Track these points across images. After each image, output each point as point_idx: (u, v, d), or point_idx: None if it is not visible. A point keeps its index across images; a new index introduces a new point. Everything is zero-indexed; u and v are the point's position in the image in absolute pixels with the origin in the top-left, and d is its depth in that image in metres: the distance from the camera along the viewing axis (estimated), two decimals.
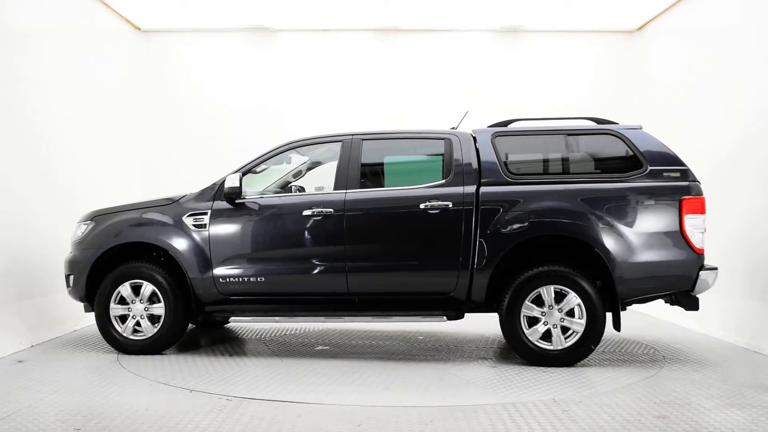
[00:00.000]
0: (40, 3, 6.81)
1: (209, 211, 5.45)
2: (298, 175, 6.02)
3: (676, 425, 3.70)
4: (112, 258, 5.65)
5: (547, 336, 5.04)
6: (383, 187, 5.52)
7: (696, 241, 4.93)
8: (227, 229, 5.42)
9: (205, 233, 5.42)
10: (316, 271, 5.28)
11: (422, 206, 5.16)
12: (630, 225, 4.96)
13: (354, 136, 5.50)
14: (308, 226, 5.30)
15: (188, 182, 6.36)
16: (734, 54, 6.74)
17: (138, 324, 5.50)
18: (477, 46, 9.25)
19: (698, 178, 5.11)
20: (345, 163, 5.40)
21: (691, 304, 5.06)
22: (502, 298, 5.07)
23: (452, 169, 5.25)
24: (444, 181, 5.25)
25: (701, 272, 4.93)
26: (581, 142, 5.39)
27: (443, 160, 5.33)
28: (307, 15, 8.72)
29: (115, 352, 5.56)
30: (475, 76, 9.17)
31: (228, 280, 5.36)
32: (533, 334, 5.04)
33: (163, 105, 9.21)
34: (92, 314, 5.66)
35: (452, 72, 9.19)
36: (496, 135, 5.36)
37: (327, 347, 5.90)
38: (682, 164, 5.09)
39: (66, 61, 7.31)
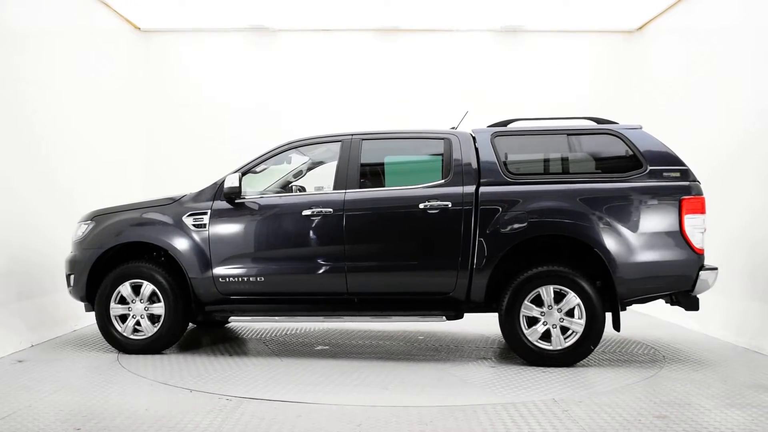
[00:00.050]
0: (40, 3, 6.81)
1: (209, 211, 5.46)
2: (298, 175, 6.03)
3: (676, 425, 3.70)
4: (112, 258, 5.66)
5: (546, 336, 5.04)
6: (383, 187, 5.53)
7: (696, 241, 4.93)
8: (227, 228, 5.42)
9: (205, 233, 5.42)
10: (315, 271, 5.29)
11: (421, 206, 5.16)
12: (630, 225, 4.95)
13: (353, 136, 5.50)
14: (308, 226, 5.30)
15: (188, 182, 6.36)
16: (734, 54, 6.74)
17: (138, 323, 5.51)
18: (477, 46, 9.25)
19: (698, 178, 5.11)
20: (344, 163, 5.40)
21: (691, 305, 5.06)
22: (502, 298, 5.07)
23: (452, 169, 5.25)
24: (443, 181, 5.25)
25: (701, 272, 4.93)
26: (581, 142, 5.39)
27: (443, 160, 5.33)
28: (307, 15, 8.72)
29: (115, 351, 5.56)
30: (475, 76, 9.17)
31: (228, 279, 5.36)
32: (532, 334, 5.04)
33: (163, 105, 9.21)
34: (92, 314, 5.67)
35: (452, 72, 9.20)
36: (495, 135, 5.35)
37: (327, 347, 5.90)
38: (682, 164, 5.09)
39: (66, 61, 7.31)
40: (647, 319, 7.24)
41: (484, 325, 6.35)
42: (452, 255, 5.10)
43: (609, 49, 9.20)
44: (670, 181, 5.03)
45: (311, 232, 5.30)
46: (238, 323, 6.98)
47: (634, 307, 6.21)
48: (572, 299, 4.97)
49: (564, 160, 5.43)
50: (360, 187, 5.35)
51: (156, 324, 5.49)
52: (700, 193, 5.02)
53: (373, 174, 5.65)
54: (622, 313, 5.12)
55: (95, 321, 5.63)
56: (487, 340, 6.13)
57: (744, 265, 6.16)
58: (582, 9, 8.43)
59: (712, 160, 6.68)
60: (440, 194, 5.18)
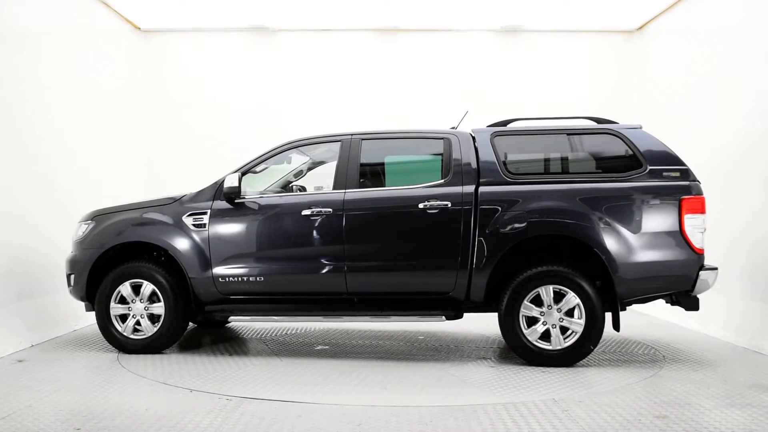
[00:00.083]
0: (40, 3, 6.81)
1: (209, 211, 5.46)
2: (299, 174, 6.03)
3: (676, 425, 3.70)
4: (113, 258, 5.66)
5: (546, 336, 5.04)
6: (382, 186, 5.53)
7: (696, 241, 4.92)
8: (226, 228, 5.42)
9: (205, 233, 5.42)
10: (315, 271, 5.29)
11: (421, 206, 5.16)
12: (630, 225, 4.95)
13: (353, 136, 5.50)
14: (307, 225, 5.30)
15: (188, 182, 6.36)
16: (734, 54, 6.74)
17: (138, 323, 5.51)
18: (477, 46, 9.26)
19: (698, 178, 5.10)
20: (344, 163, 5.40)
21: (691, 305, 5.05)
22: (501, 298, 5.07)
23: (451, 169, 5.25)
24: (443, 180, 5.25)
25: (701, 272, 4.92)
26: (581, 142, 5.39)
27: (442, 160, 5.33)
28: (307, 15, 8.73)
29: (115, 351, 5.57)
30: (475, 76, 9.17)
31: (227, 279, 5.36)
32: (532, 334, 5.04)
33: (163, 105, 9.21)
34: (93, 314, 5.67)
35: (452, 72, 9.20)
36: (495, 135, 5.35)
37: (327, 347, 5.90)
38: (682, 164, 5.09)
39: (66, 61, 7.31)
40: (647, 319, 7.24)
41: (485, 325, 6.35)
42: (452, 255, 5.10)
43: (609, 49, 9.20)
44: (670, 180, 5.03)
45: (311, 232, 5.30)
46: (238, 323, 6.98)
47: (634, 307, 6.21)
48: (572, 299, 4.97)
49: (564, 160, 5.43)
50: (360, 187, 5.35)
51: (156, 324, 5.49)
52: (700, 192, 5.01)
53: (373, 174, 5.65)
54: (622, 313, 5.12)
55: (95, 321, 5.63)
56: (487, 340, 6.13)
57: (744, 265, 6.16)
58: (582, 9, 8.43)
59: (712, 160, 6.68)
60: (440, 194, 5.18)
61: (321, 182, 5.72)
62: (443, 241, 5.12)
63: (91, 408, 4.02)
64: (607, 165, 5.30)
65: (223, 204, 5.45)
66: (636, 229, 4.95)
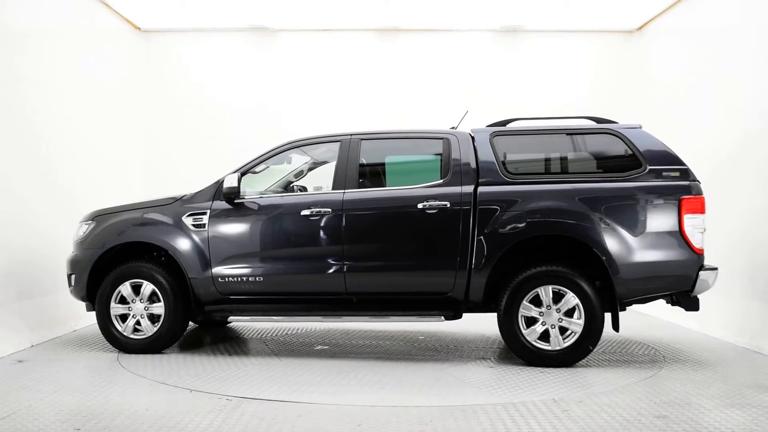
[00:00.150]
0: (40, 3, 6.81)
1: (208, 211, 5.46)
2: (299, 175, 6.03)
3: (676, 425, 3.70)
4: (113, 258, 5.66)
5: (545, 336, 5.03)
6: (381, 186, 5.53)
7: (696, 241, 4.92)
8: (226, 229, 5.42)
9: (204, 233, 5.42)
10: (314, 271, 5.29)
11: (420, 206, 5.16)
12: (629, 225, 4.94)
13: (352, 136, 5.50)
14: (306, 226, 5.30)
15: (188, 182, 6.36)
16: (734, 54, 6.74)
17: (138, 323, 5.51)
18: (477, 46, 9.25)
19: (698, 178, 5.10)
20: (343, 163, 5.40)
21: (691, 305, 5.05)
22: (500, 299, 5.07)
23: (450, 169, 5.25)
24: (442, 180, 5.25)
25: (701, 272, 4.92)
26: (580, 142, 5.38)
27: (441, 160, 5.33)
28: (307, 15, 8.73)
29: (115, 351, 5.57)
30: (475, 76, 9.17)
31: (227, 279, 5.37)
32: (531, 335, 5.03)
33: (163, 105, 9.21)
34: (93, 314, 5.68)
35: (452, 72, 9.20)
36: (494, 135, 5.35)
37: (326, 347, 5.90)
38: (682, 164, 5.08)
39: (66, 61, 7.31)
40: (647, 319, 7.24)
41: (485, 325, 6.35)
42: (451, 255, 5.09)
43: (609, 49, 9.20)
44: (670, 180, 5.02)
45: (310, 232, 5.30)
46: (239, 323, 6.98)
47: (634, 307, 6.21)
48: (571, 299, 4.97)
49: (563, 160, 5.43)
50: (359, 187, 5.35)
51: (156, 324, 5.50)
52: (699, 192, 5.01)
53: (372, 174, 5.66)
54: (621, 314, 5.12)
55: (95, 321, 5.64)
56: (487, 341, 6.13)
57: (744, 265, 6.16)
58: (582, 9, 8.43)
59: (712, 160, 6.68)
60: (439, 194, 5.18)
61: (321, 182, 5.72)
62: (442, 241, 5.12)
63: (91, 408, 4.02)
64: (607, 165, 5.30)
65: (222, 204, 5.45)
66: (635, 229, 4.94)
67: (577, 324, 4.97)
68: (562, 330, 5.01)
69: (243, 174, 5.45)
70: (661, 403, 4.13)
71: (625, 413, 3.91)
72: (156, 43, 9.27)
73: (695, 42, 7.61)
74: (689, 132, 7.33)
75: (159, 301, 5.49)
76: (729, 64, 6.82)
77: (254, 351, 5.75)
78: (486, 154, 5.26)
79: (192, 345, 5.98)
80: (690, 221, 4.91)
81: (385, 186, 5.57)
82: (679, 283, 4.97)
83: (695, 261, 4.92)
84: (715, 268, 5.02)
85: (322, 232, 5.28)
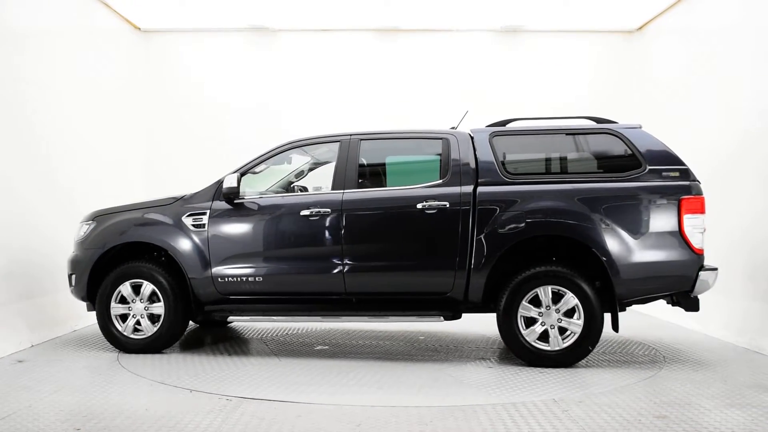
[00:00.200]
0: (40, 3, 6.81)
1: (208, 211, 5.46)
2: (300, 175, 6.04)
3: (676, 425, 3.70)
4: (114, 258, 5.67)
5: (544, 336, 5.03)
6: (381, 187, 5.53)
7: (695, 241, 4.91)
8: (226, 229, 5.42)
9: (204, 233, 5.43)
10: (313, 271, 5.29)
11: (419, 206, 5.16)
12: (628, 225, 4.94)
13: (352, 136, 5.50)
14: (306, 226, 5.30)
15: (188, 182, 6.37)
16: (734, 54, 6.74)
17: (138, 323, 5.52)
18: (477, 46, 9.25)
19: (698, 178, 5.09)
20: (343, 163, 5.41)
21: (691, 305, 5.05)
22: (500, 299, 5.06)
23: (450, 169, 5.25)
24: (441, 180, 5.25)
25: (701, 273, 4.91)
26: (580, 142, 5.38)
27: (441, 160, 5.33)
28: (307, 15, 8.73)
29: (115, 351, 5.57)
30: (475, 76, 9.17)
31: (226, 279, 5.37)
32: (530, 335, 5.03)
33: (163, 105, 9.21)
34: (93, 314, 5.69)
35: (452, 72, 9.20)
36: (493, 135, 5.35)
37: (326, 347, 5.90)
38: (682, 164, 5.07)
39: (66, 61, 7.31)
40: (647, 320, 7.23)
41: (485, 325, 6.35)
42: (450, 255, 5.09)
43: (609, 49, 9.20)
44: (670, 180, 5.02)
45: (309, 233, 5.30)
46: (239, 323, 6.98)
47: (635, 307, 6.21)
48: (570, 300, 4.96)
49: (563, 160, 5.43)
50: (358, 187, 5.35)
51: (156, 323, 5.50)
52: (699, 192, 5.00)
53: (372, 174, 5.66)
54: (622, 314, 5.11)
55: (96, 321, 5.65)
56: (487, 341, 6.12)
57: (745, 265, 6.16)
58: (582, 9, 8.43)
59: (713, 160, 6.68)
60: (438, 194, 5.17)
61: (321, 183, 5.72)
62: (442, 241, 5.12)
63: (91, 408, 4.02)
64: (607, 165, 5.29)
65: (222, 204, 5.46)
66: (635, 229, 4.94)
67: (576, 324, 4.97)
68: (562, 330, 5.01)
69: (243, 174, 5.46)
70: (661, 403, 4.13)
71: (625, 413, 3.91)
72: (156, 43, 9.28)
73: (695, 42, 7.61)
74: (689, 132, 7.32)
75: (159, 301, 5.49)
76: (729, 64, 6.82)
77: (254, 351, 5.75)
78: (485, 154, 5.26)
79: (192, 345, 5.98)
80: (690, 221, 4.91)
81: (384, 186, 5.57)
82: (679, 283, 4.97)
83: (695, 261, 4.92)
84: (715, 269, 5.01)
85: (321, 233, 5.28)
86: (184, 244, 5.43)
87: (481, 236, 5.07)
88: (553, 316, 5.00)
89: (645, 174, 5.05)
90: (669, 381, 4.69)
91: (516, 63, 9.21)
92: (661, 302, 5.34)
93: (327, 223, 5.26)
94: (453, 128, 5.67)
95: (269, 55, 9.26)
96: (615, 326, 5.09)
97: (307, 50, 9.23)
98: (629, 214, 4.95)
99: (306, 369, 5.03)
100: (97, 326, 5.73)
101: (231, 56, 9.29)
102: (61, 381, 4.67)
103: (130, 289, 5.53)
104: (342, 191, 5.32)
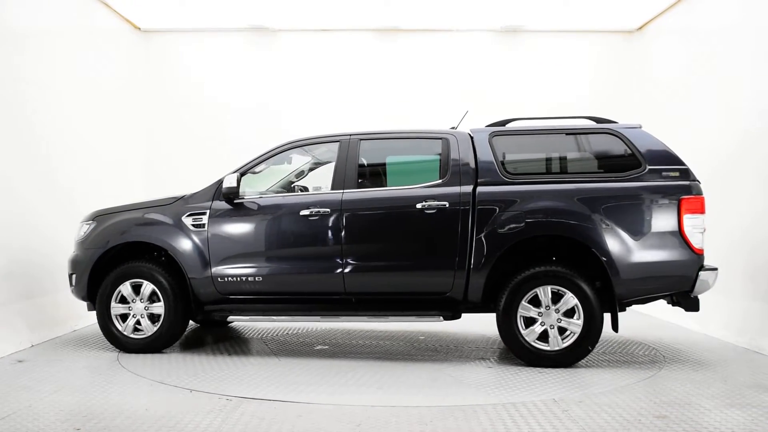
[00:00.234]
0: (40, 3, 6.81)
1: (208, 211, 5.47)
2: (300, 175, 6.04)
3: (676, 425, 3.70)
4: (114, 257, 5.67)
5: (544, 336, 5.03)
6: (381, 186, 5.53)
7: (695, 241, 4.91)
8: (225, 229, 5.43)
9: (204, 233, 5.43)
10: (313, 271, 5.29)
11: (419, 206, 5.16)
12: (628, 225, 4.93)
13: (351, 136, 5.50)
14: (305, 226, 5.30)
15: (188, 182, 6.37)
16: (734, 54, 6.74)
17: (138, 323, 5.52)
18: (477, 46, 9.26)
19: (698, 178, 5.09)
20: (342, 163, 5.41)
21: (691, 305, 5.05)
22: (499, 299, 5.06)
23: (449, 169, 5.25)
24: (441, 180, 5.25)
25: (701, 273, 4.90)
26: (579, 142, 5.37)
27: (440, 160, 5.33)
28: (307, 15, 8.73)
29: (115, 351, 5.57)
30: (475, 76, 9.17)
31: (226, 279, 5.37)
32: (530, 335, 5.03)
33: (163, 105, 9.21)
34: (93, 314, 5.69)
35: (452, 72, 9.20)
36: (493, 134, 5.35)
37: (326, 347, 5.90)
38: (682, 163, 5.07)
39: (66, 61, 7.31)
40: (647, 320, 7.23)
41: (485, 325, 6.35)
42: (449, 255, 5.09)
43: (609, 49, 9.20)
44: (670, 180, 5.01)
45: (309, 233, 5.31)
46: (240, 323, 6.98)
47: (635, 307, 6.20)
48: (570, 300, 4.96)
49: (562, 160, 5.42)
50: (358, 187, 5.35)
51: (156, 323, 5.51)
52: (699, 192, 5.00)
53: (371, 174, 5.66)
54: (622, 314, 5.11)
55: (96, 320, 5.65)
56: (488, 341, 6.12)
57: (745, 265, 6.16)
58: (582, 9, 8.43)
59: (713, 160, 6.68)
60: (437, 194, 5.17)
61: (320, 182, 5.72)
62: (441, 241, 5.12)
63: (91, 408, 4.02)
64: (607, 165, 5.29)
65: (222, 204, 5.46)
66: (635, 229, 4.93)
67: (576, 324, 4.96)
68: (561, 330, 5.01)
69: (242, 174, 5.46)
70: (661, 403, 4.13)
71: (625, 413, 3.91)
72: (156, 43, 9.28)
73: (695, 42, 7.61)
74: (689, 132, 7.32)
75: (159, 300, 5.49)
76: (729, 64, 6.82)
77: (254, 351, 5.75)
78: (485, 154, 5.26)
79: (192, 345, 5.98)
80: (690, 221, 4.90)
81: (384, 186, 5.57)
82: (679, 283, 4.97)
83: (695, 261, 4.92)
84: (715, 269, 5.01)
85: (321, 233, 5.28)
86: (184, 244, 5.44)
87: (481, 236, 5.07)
88: (552, 316, 5.00)
89: (645, 174, 5.05)
90: (669, 381, 4.69)
91: (516, 63, 9.21)
92: (661, 302, 5.34)
93: (326, 223, 5.26)
94: (453, 128, 5.67)
95: (269, 55, 9.26)
96: (615, 326, 5.09)
97: (307, 50, 9.23)
98: (629, 214, 4.95)
99: (306, 369, 5.03)
100: (96, 326, 5.74)
101: (231, 56, 9.29)
102: (61, 381, 4.67)
103: (130, 289, 5.53)
104: (341, 191, 5.32)
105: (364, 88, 9.14)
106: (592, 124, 5.40)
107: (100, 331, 5.63)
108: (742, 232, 6.29)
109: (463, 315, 5.32)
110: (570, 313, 4.98)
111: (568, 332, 5.00)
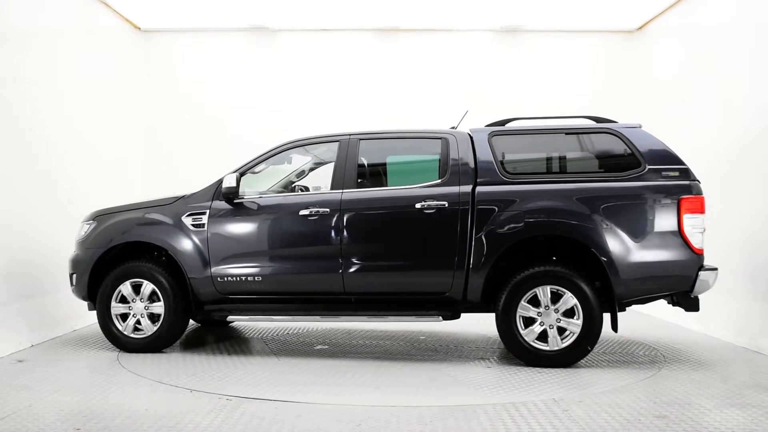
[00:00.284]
0: (40, 3, 6.81)
1: (207, 211, 5.47)
2: (301, 174, 6.04)
3: (676, 425, 3.70)
4: (115, 257, 5.67)
5: (543, 336, 5.02)
6: (380, 186, 5.53)
7: (695, 241, 4.90)
8: (225, 228, 5.43)
9: (204, 233, 5.43)
10: (312, 271, 5.29)
11: (418, 206, 5.16)
12: (627, 225, 4.93)
13: (351, 136, 5.50)
14: (305, 225, 5.31)
15: (188, 182, 6.37)
16: (734, 54, 6.74)
17: (138, 322, 5.53)
18: (477, 46, 9.26)
19: (698, 178, 5.09)
20: (342, 163, 5.41)
21: (691, 305, 5.04)
22: (498, 299, 5.06)
23: (448, 169, 5.25)
24: (440, 180, 5.25)
25: (700, 272, 4.90)
26: (579, 141, 5.37)
27: (440, 160, 5.33)
28: (307, 15, 8.73)
29: (115, 351, 5.57)
30: (475, 76, 9.17)
31: (226, 279, 5.37)
32: (529, 335, 5.02)
33: (163, 105, 9.21)
34: (93, 313, 5.70)
35: (452, 72, 9.20)
36: (493, 134, 5.35)
37: (326, 347, 5.90)
38: (682, 163, 5.07)
39: (66, 61, 7.31)
40: (647, 320, 7.23)
41: (486, 325, 6.35)
42: (449, 255, 5.09)
43: (609, 49, 9.20)
44: (669, 180, 5.01)
45: (308, 232, 5.31)
46: (240, 322, 6.98)
47: (634, 307, 6.20)
48: (569, 299, 4.96)
49: (562, 160, 5.42)
50: (357, 187, 5.35)
51: (156, 323, 5.51)
52: (699, 192, 4.99)
53: (371, 174, 5.66)
54: (622, 314, 5.11)
55: (96, 320, 5.66)
56: (488, 341, 6.12)
57: (745, 265, 6.16)
58: (582, 9, 8.43)
59: (713, 160, 6.68)
60: (437, 194, 5.17)
61: (320, 182, 5.72)
62: (440, 241, 5.12)
63: (91, 408, 4.02)
64: (606, 164, 5.28)
65: (221, 204, 5.46)
66: (634, 229, 4.93)
67: (575, 324, 4.96)
68: (561, 330, 5.00)
69: (242, 174, 5.46)
70: (661, 403, 4.13)
71: (625, 413, 3.91)
72: (156, 43, 9.28)
73: (695, 42, 7.61)
74: (689, 132, 7.32)
75: (159, 300, 5.50)
76: (729, 64, 6.82)
77: (254, 351, 5.75)
78: (484, 154, 5.26)
79: (192, 344, 5.98)
80: (689, 221, 4.90)
81: (383, 186, 5.57)
82: (679, 283, 4.96)
83: (695, 261, 4.91)
84: (715, 269, 5.00)
85: (320, 232, 5.28)
86: (183, 244, 5.44)
87: (480, 236, 5.07)
88: (552, 316, 5.00)
89: (645, 173, 5.04)
90: (669, 381, 4.69)
91: (516, 63, 9.21)
92: (661, 302, 5.33)
93: (326, 223, 5.26)
94: (453, 128, 5.67)
95: (269, 55, 9.26)
96: (614, 326, 5.09)
97: (307, 50, 9.23)
98: (629, 213, 4.95)
99: (306, 369, 5.03)
100: (96, 326, 5.74)
101: (231, 56, 9.29)
102: (61, 381, 4.68)
103: (130, 289, 5.54)
104: (341, 191, 5.32)
105: (364, 88, 9.14)
106: (592, 123, 5.40)
107: (100, 330, 5.64)
108: (742, 232, 6.29)
109: (463, 315, 5.32)
110: (569, 313, 4.98)
111: (567, 332, 5.00)
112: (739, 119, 6.56)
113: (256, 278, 5.34)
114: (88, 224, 5.76)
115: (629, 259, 4.91)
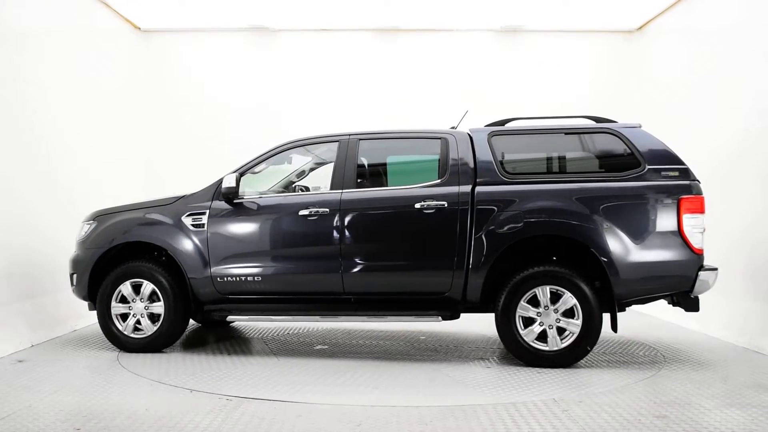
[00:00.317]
0: (40, 3, 6.82)
1: (207, 211, 5.47)
2: (301, 175, 6.04)
3: (676, 425, 3.70)
4: (115, 257, 5.68)
5: (543, 337, 5.02)
6: (380, 186, 5.54)
7: (695, 241, 4.90)
8: (225, 229, 5.43)
9: (204, 233, 5.43)
10: (312, 271, 5.30)
11: (417, 206, 5.15)
12: (627, 225, 4.93)
13: (351, 136, 5.51)
14: (304, 225, 5.31)
15: (188, 182, 6.37)
16: (734, 54, 6.74)
17: (138, 322, 5.53)
18: (477, 46, 9.26)
19: (698, 178, 5.08)
20: (341, 163, 5.41)
21: (691, 305, 5.04)
22: (498, 299, 5.06)
23: (448, 169, 5.25)
24: (440, 180, 5.25)
25: (700, 273, 4.89)
26: (579, 141, 5.36)
27: (439, 160, 5.33)
28: (307, 15, 8.73)
29: (115, 351, 5.57)
30: (475, 76, 9.17)
31: (225, 279, 5.37)
32: (529, 335, 5.02)
33: (163, 105, 9.22)
34: (93, 313, 5.70)
35: (452, 72, 9.20)
36: (492, 134, 5.35)
37: (326, 347, 5.90)
38: (682, 163, 5.06)
39: (66, 61, 7.31)
40: (647, 320, 7.23)
41: (486, 325, 6.35)
42: (448, 255, 5.09)
43: (609, 49, 9.20)
44: (669, 180, 5.00)
45: (308, 232, 5.31)
46: (240, 322, 6.98)
47: (634, 307, 6.20)
48: (569, 300, 4.96)
49: (561, 160, 5.42)
50: (357, 187, 5.35)
51: (156, 323, 5.51)
52: (699, 192, 4.99)
53: (371, 174, 5.66)
54: (621, 314, 5.11)
55: (96, 320, 5.66)
56: (487, 341, 6.12)
57: (745, 265, 6.16)
58: (582, 9, 8.43)
59: (713, 160, 6.68)
60: (436, 194, 5.17)
61: (320, 182, 5.73)
62: (440, 241, 5.12)
63: (91, 408, 4.02)
64: (606, 164, 5.27)
65: (221, 204, 5.46)
66: (634, 229, 4.92)
67: (575, 324, 4.96)
68: (560, 330, 5.00)
69: (242, 174, 5.46)
70: (661, 403, 4.13)
71: (625, 413, 3.91)
72: (156, 43, 9.28)
73: (695, 42, 7.61)
74: (689, 132, 7.32)
75: (159, 300, 5.50)
76: (729, 64, 6.82)
77: (254, 351, 5.75)
78: (484, 154, 5.26)
79: (192, 344, 5.98)
80: (689, 221, 4.90)
81: (383, 186, 5.58)
82: (679, 283, 4.96)
83: (695, 261, 4.91)
84: (715, 269, 5.00)
85: (320, 232, 5.28)
86: (183, 244, 5.44)
87: (480, 236, 5.06)
88: (551, 316, 5.00)
89: (644, 173, 5.04)
90: (669, 381, 4.69)
91: (516, 63, 9.21)
92: (661, 302, 5.33)
93: (325, 223, 5.26)
94: (453, 128, 5.67)
95: (269, 55, 9.27)
96: (614, 326, 5.08)
97: (307, 50, 9.23)
98: (628, 213, 4.94)
99: (306, 369, 5.03)
100: (97, 326, 5.74)
101: (231, 56, 9.29)
102: (61, 381, 4.68)
103: (130, 289, 5.54)
104: (341, 191, 5.32)
105: (364, 88, 9.15)
106: (591, 123, 5.39)
107: (100, 330, 5.64)
108: (742, 232, 6.29)
109: (462, 315, 5.32)
110: (569, 313, 4.98)
111: (567, 332, 4.99)
112: (739, 119, 6.56)
113: (255, 278, 5.34)
114: (88, 224, 5.76)
115: (629, 259, 4.90)
